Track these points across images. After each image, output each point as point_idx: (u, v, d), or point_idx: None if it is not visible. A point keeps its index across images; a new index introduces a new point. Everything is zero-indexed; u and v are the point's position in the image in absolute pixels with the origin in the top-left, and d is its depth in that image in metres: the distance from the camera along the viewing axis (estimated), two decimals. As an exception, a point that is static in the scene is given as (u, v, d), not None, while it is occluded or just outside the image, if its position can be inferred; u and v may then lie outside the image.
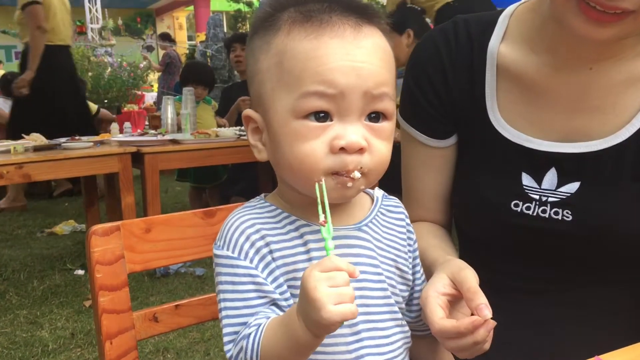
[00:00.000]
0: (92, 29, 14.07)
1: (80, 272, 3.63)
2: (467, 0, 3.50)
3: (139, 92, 11.63)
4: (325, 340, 0.66)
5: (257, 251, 0.72)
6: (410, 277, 0.82)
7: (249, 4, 12.17)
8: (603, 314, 0.95)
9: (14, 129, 4.61)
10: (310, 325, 0.62)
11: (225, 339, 0.71)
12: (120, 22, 16.33)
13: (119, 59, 12.34)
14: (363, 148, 0.68)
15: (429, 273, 0.88)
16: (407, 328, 0.81)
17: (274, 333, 0.66)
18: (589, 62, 0.89)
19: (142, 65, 12.32)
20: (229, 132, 3.83)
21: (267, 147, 0.75)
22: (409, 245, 0.83)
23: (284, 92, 0.70)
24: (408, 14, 3.69)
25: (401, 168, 1.10)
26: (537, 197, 0.92)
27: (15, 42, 13.63)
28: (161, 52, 12.03)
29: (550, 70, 0.91)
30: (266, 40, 0.73)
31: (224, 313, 0.72)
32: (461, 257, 0.92)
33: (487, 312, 0.71)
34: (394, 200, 0.86)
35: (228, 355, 0.71)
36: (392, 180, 1.30)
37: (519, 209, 0.93)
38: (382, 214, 0.82)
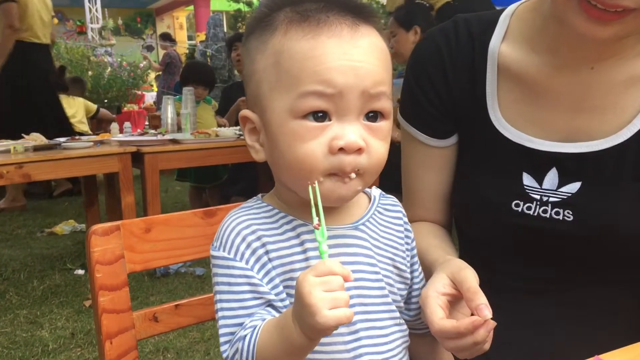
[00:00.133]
0: (92, 28, 14.08)
1: (80, 271, 3.63)
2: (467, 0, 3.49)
3: (139, 92, 11.63)
4: (323, 340, 0.67)
5: (253, 252, 0.72)
6: (408, 276, 0.83)
7: (249, 4, 12.15)
8: (603, 314, 0.95)
9: None
10: (306, 329, 0.62)
11: (222, 339, 0.72)
12: (120, 22, 16.34)
13: (119, 59, 12.35)
14: (361, 148, 0.69)
15: (429, 273, 0.88)
16: (405, 327, 0.81)
17: (269, 335, 0.67)
18: (590, 62, 0.89)
19: (142, 65, 12.32)
20: (229, 132, 3.83)
21: (264, 148, 0.75)
22: (407, 243, 0.84)
23: (281, 92, 0.70)
24: (416, 10, 3.65)
25: (401, 168, 1.10)
26: (538, 197, 0.92)
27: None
28: (161, 52, 12.03)
29: (551, 69, 0.91)
30: (263, 40, 0.73)
31: (220, 314, 0.72)
32: (461, 257, 0.92)
33: (487, 312, 0.71)
34: (391, 199, 0.86)
35: (224, 355, 0.71)
36: (391, 181, 1.31)
37: (519, 209, 0.93)
38: (379, 212, 0.82)
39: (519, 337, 0.95)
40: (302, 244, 0.73)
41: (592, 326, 0.94)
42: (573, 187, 0.91)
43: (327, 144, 0.68)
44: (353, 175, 0.69)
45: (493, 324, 0.71)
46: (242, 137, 3.63)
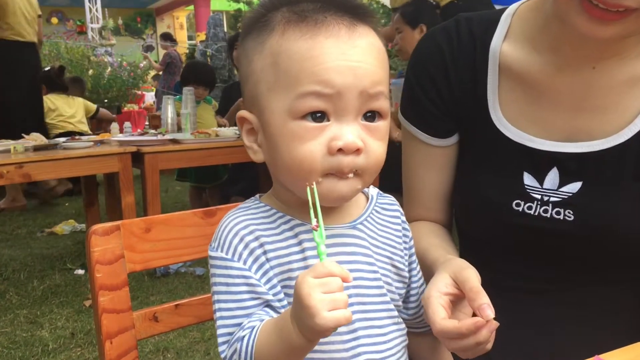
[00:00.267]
0: (92, 28, 14.08)
1: (80, 271, 3.63)
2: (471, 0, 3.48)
3: (139, 92, 11.63)
4: (322, 339, 0.67)
5: (251, 252, 0.72)
6: (407, 275, 0.83)
7: (249, 4, 12.16)
8: (604, 313, 0.95)
9: None
10: (304, 331, 0.62)
11: (220, 339, 0.72)
12: (120, 21, 16.34)
13: (119, 59, 12.35)
14: (360, 149, 0.69)
15: (430, 272, 0.88)
16: (403, 325, 0.81)
17: (267, 336, 0.67)
18: (592, 61, 0.89)
19: (142, 65, 12.32)
20: (229, 131, 3.83)
21: (263, 148, 0.75)
22: (405, 242, 0.84)
23: (280, 92, 0.70)
24: (423, 7, 3.64)
25: (402, 167, 1.10)
26: (538, 196, 0.92)
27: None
28: (161, 52, 12.03)
29: (552, 69, 0.91)
30: (260, 41, 0.73)
31: (218, 314, 0.72)
32: (461, 256, 0.92)
33: (490, 312, 0.71)
34: (389, 198, 0.86)
35: (222, 355, 0.71)
36: (391, 181, 1.30)
37: (520, 209, 0.93)
38: (377, 212, 0.82)
39: (520, 336, 0.95)
40: (300, 243, 0.73)
41: (592, 326, 0.94)
42: (574, 187, 0.91)
43: (325, 144, 0.68)
44: (351, 175, 0.70)
45: (496, 324, 0.71)
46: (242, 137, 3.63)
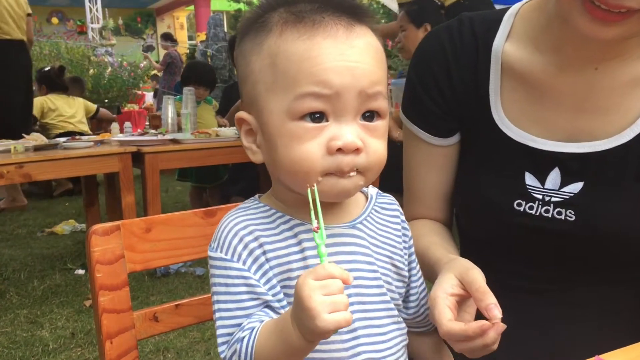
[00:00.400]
0: (92, 28, 14.08)
1: (81, 271, 3.63)
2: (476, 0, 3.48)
3: (140, 92, 11.64)
4: None
5: (250, 253, 0.72)
6: (406, 274, 0.82)
7: (249, 4, 12.18)
8: (605, 313, 0.95)
9: None
10: (305, 332, 0.62)
11: (219, 340, 0.72)
12: (120, 21, 16.35)
13: (120, 59, 12.36)
14: (359, 148, 0.69)
15: (431, 271, 0.88)
16: (403, 325, 0.81)
17: (267, 337, 0.67)
18: (594, 62, 0.88)
19: (142, 65, 12.33)
20: (230, 131, 3.83)
21: (262, 149, 0.75)
22: (404, 242, 0.83)
23: (278, 93, 0.69)
24: (427, 7, 3.64)
25: (403, 165, 1.10)
26: (540, 196, 0.92)
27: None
28: (162, 52, 12.03)
29: (555, 69, 0.91)
30: (258, 42, 0.72)
31: (217, 314, 0.72)
32: (462, 255, 0.92)
33: (497, 312, 0.71)
34: (388, 198, 0.86)
35: (222, 356, 0.71)
36: (391, 181, 1.30)
37: (521, 209, 0.93)
38: (376, 211, 0.82)
39: (521, 336, 0.95)
40: (299, 243, 0.73)
41: (593, 326, 0.94)
42: (575, 187, 0.90)
43: (325, 144, 0.68)
44: (353, 173, 0.69)
45: (503, 326, 0.71)
46: (242, 137, 3.63)
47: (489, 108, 0.96)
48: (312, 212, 0.66)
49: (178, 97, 4.55)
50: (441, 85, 1.00)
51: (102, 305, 0.86)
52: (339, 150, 0.68)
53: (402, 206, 0.88)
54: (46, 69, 6.21)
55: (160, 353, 2.54)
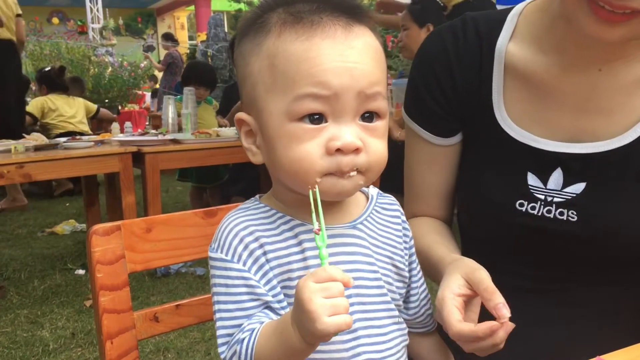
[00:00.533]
0: (93, 28, 14.09)
1: (81, 271, 3.64)
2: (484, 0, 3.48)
3: (140, 92, 11.64)
4: None
5: (251, 254, 0.72)
6: (407, 275, 0.82)
7: (250, 4, 12.19)
8: (605, 313, 0.94)
9: None
10: (305, 335, 0.62)
11: (219, 340, 0.72)
12: (120, 21, 16.35)
13: (120, 59, 12.36)
14: (359, 148, 0.68)
15: (434, 270, 0.88)
16: (404, 325, 0.81)
17: (267, 339, 0.67)
18: (598, 63, 0.88)
19: (142, 65, 12.33)
20: (230, 131, 3.83)
21: (261, 150, 0.75)
22: (405, 242, 0.83)
23: (277, 94, 0.69)
24: (430, 7, 3.64)
25: (404, 163, 1.10)
26: (542, 197, 0.92)
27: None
28: (162, 52, 12.04)
29: (558, 70, 0.91)
30: (257, 43, 0.72)
31: (217, 315, 0.72)
32: (463, 254, 0.92)
33: (505, 311, 0.72)
34: (389, 198, 0.86)
35: (222, 356, 0.71)
36: (392, 182, 1.31)
37: (523, 209, 0.93)
38: (377, 211, 0.82)
39: (521, 336, 0.95)
40: (300, 244, 0.73)
41: (593, 326, 0.94)
42: (578, 187, 0.90)
43: (324, 144, 0.68)
44: (353, 173, 0.69)
45: (512, 325, 0.72)
46: (242, 137, 3.64)
47: (491, 108, 0.96)
48: (314, 214, 0.66)
49: (178, 97, 4.55)
50: (444, 85, 1.00)
51: (103, 305, 0.86)
52: (338, 150, 0.68)
53: (402, 206, 0.88)
54: (46, 69, 6.21)
55: (161, 353, 2.54)
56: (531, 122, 0.94)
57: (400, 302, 0.82)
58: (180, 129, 4.14)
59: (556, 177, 0.92)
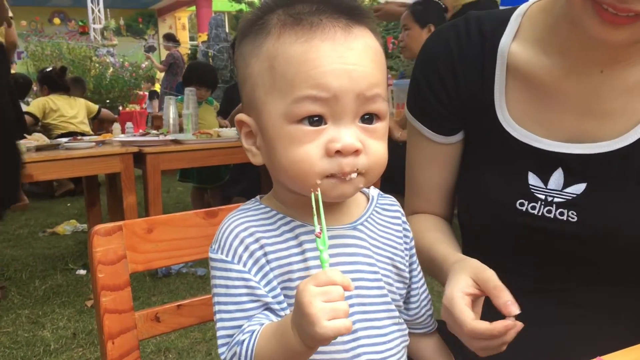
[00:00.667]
0: (94, 29, 14.11)
1: (82, 272, 3.64)
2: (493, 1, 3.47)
3: (141, 93, 11.66)
4: None
5: (251, 255, 0.72)
6: (407, 275, 0.83)
7: (251, 5, 12.19)
8: (605, 314, 0.95)
9: None
10: (304, 338, 0.62)
11: (220, 341, 0.72)
12: (121, 22, 16.36)
13: (121, 59, 12.37)
14: (358, 150, 0.68)
15: (437, 269, 0.88)
16: (404, 326, 0.81)
17: (267, 341, 0.67)
18: (600, 65, 0.89)
19: (143, 65, 12.35)
20: (231, 132, 3.83)
21: (261, 151, 0.75)
22: (406, 243, 0.83)
23: (276, 96, 0.69)
24: (432, 8, 3.64)
25: (406, 160, 1.10)
26: (542, 197, 0.92)
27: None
28: (163, 53, 12.05)
29: (560, 71, 0.91)
30: (257, 44, 0.72)
31: (218, 316, 0.73)
32: (463, 254, 0.92)
33: (514, 308, 0.72)
34: (390, 199, 0.86)
35: (222, 357, 0.71)
36: (392, 182, 1.31)
37: (524, 209, 0.93)
38: (377, 212, 0.82)
39: (521, 336, 0.95)
40: (300, 245, 0.73)
41: (593, 326, 0.94)
42: (578, 188, 0.91)
43: (323, 146, 0.68)
44: (354, 175, 0.69)
45: (521, 325, 0.73)
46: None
47: (493, 107, 0.97)
48: (315, 218, 0.66)
49: (179, 97, 4.55)
50: (446, 84, 1.00)
51: (104, 305, 0.86)
52: (338, 152, 0.68)
53: (402, 207, 0.88)
54: (48, 69, 6.22)
55: (162, 353, 2.55)
56: (532, 122, 0.94)
57: (401, 303, 0.82)
58: (181, 130, 4.14)
59: (557, 177, 0.92)
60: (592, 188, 0.90)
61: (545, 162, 0.93)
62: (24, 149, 3.25)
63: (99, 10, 14.17)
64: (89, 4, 14.05)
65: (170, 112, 4.20)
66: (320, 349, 0.70)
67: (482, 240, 1.02)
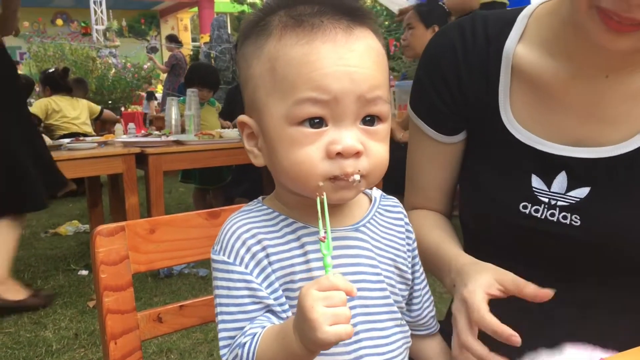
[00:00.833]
0: (96, 30, 14.13)
1: (84, 272, 3.64)
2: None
3: (143, 93, 11.67)
4: None
5: (253, 256, 0.72)
6: (410, 277, 0.83)
7: (253, 6, 12.21)
8: (607, 316, 0.94)
9: None
10: (306, 342, 0.62)
11: (221, 343, 0.72)
12: (124, 23, 16.39)
13: (123, 60, 12.39)
14: (359, 152, 0.68)
15: (446, 268, 0.89)
16: (407, 328, 0.81)
17: (269, 344, 0.67)
18: (605, 70, 0.88)
19: (146, 66, 12.37)
20: (233, 133, 3.84)
21: (263, 153, 0.75)
22: (408, 244, 0.83)
23: (277, 98, 0.69)
24: (437, 10, 3.66)
25: (407, 158, 1.10)
26: (546, 200, 0.92)
27: (20, 43, 13.70)
28: (165, 54, 12.07)
29: (565, 75, 0.91)
30: (258, 46, 0.72)
31: (219, 318, 0.73)
32: (465, 252, 0.93)
33: (548, 290, 0.76)
34: (392, 200, 0.86)
35: (224, 359, 0.71)
36: (392, 182, 1.31)
37: (527, 211, 0.93)
38: (380, 214, 0.82)
39: (522, 336, 0.95)
40: (302, 246, 0.73)
41: (596, 329, 0.93)
42: (582, 192, 0.90)
43: (324, 148, 0.68)
44: (357, 177, 0.69)
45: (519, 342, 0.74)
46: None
47: (497, 109, 0.96)
48: (320, 222, 0.66)
49: (182, 98, 4.56)
50: (450, 84, 1.00)
51: (107, 305, 0.86)
52: (339, 154, 0.68)
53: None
54: (50, 70, 6.23)
55: (164, 354, 2.55)
56: (537, 124, 0.94)
57: (403, 304, 0.82)
58: (183, 130, 4.15)
59: (560, 181, 0.92)
60: (596, 192, 0.90)
61: (549, 165, 0.93)
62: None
63: (101, 12, 14.20)
64: (92, 5, 14.10)
65: (173, 113, 4.20)
66: (322, 350, 0.70)
67: (484, 241, 1.02)
